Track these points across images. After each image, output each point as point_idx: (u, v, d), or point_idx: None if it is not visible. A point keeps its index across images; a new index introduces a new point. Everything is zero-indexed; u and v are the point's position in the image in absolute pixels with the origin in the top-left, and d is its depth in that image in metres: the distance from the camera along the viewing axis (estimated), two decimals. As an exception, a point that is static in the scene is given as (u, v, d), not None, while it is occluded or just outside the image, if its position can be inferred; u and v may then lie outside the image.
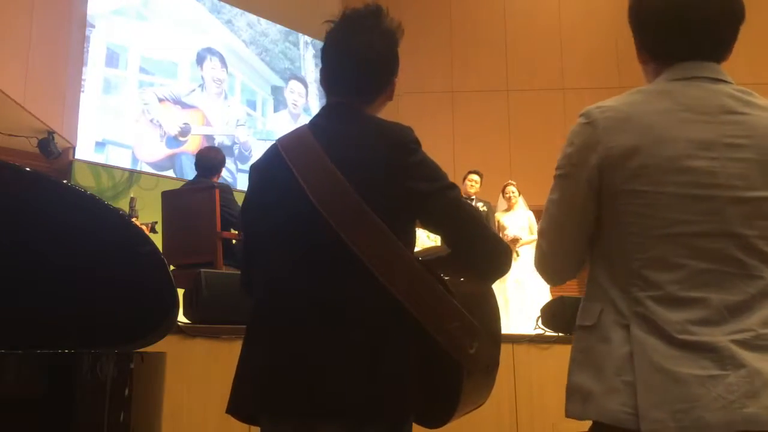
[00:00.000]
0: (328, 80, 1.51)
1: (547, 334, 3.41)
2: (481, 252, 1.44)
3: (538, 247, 1.32)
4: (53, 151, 6.07)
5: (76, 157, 6.49)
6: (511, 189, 6.68)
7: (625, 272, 1.24)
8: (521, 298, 6.07)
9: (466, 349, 1.33)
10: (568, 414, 1.27)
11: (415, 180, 1.37)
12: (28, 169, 1.71)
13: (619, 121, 1.23)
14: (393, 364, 1.32)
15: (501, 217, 6.62)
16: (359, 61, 1.46)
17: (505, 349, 3.45)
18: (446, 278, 1.37)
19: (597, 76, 8.58)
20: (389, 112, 1.48)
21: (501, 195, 6.80)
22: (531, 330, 3.53)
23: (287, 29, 8.76)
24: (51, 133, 6.09)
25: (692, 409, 1.13)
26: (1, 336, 1.58)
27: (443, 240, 1.47)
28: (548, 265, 1.32)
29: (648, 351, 1.17)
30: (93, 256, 1.78)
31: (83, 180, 6.42)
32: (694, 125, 1.21)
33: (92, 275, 1.79)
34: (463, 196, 5.51)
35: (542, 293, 5.90)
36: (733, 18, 1.28)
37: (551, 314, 3.42)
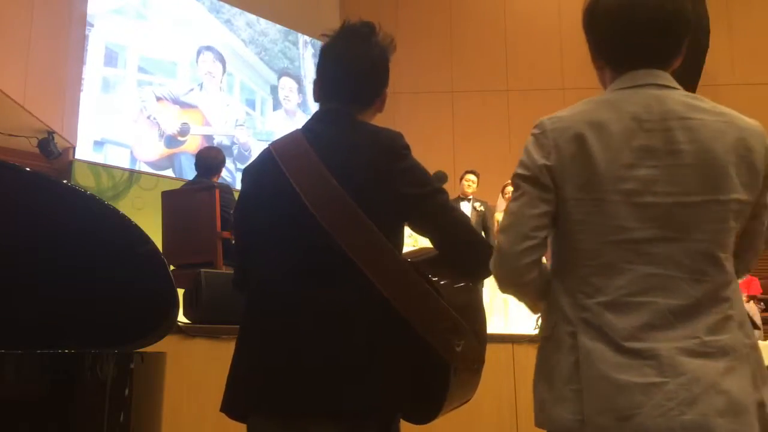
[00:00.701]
0: (323, 88, 1.55)
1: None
2: (467, 254, 1.48)
3: (497, 247, 1.32)
4: (53, 151, 6.07)
5: (76, 157, 6.49)
6: (511, 189, 6.67)
7: (575, 279, 1.27)
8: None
9: (453, 347, 1.37)
10: (536, 424, 1.31)
11: (406, 185, 1.42)
12: (28, 169, 1.72)
13: (567, 131, 1.27)
14: (384, 363, 1.36)
15: (500, 217, 6.61)
16: (356, 70, 1.51)
17: (505, 349, 3.47)
18: (434, 279, 1.42)
19: (596, 77, 8.56)
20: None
21: (500, 195, 6.80)
22: (531, 330, 3.53)
23: (286, 29, 8.76)
24: (51, 133, 6.09)
25: (634, 416, 1.16)
26: (1, 336, 1.58)
27: (431, 242, 1.51)
28: (507, 264, 1.31)
29: (593, 359, 1.20)
30: (93, 256, 1.78)
31: (83, 180, 6.42)
32: (639, 133, 1.24)
33: (92, 275, 1.79)
34: (461, 195, 5.48)
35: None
36: (681, 26, 1.30)
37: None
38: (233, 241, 1.60)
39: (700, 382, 1.16)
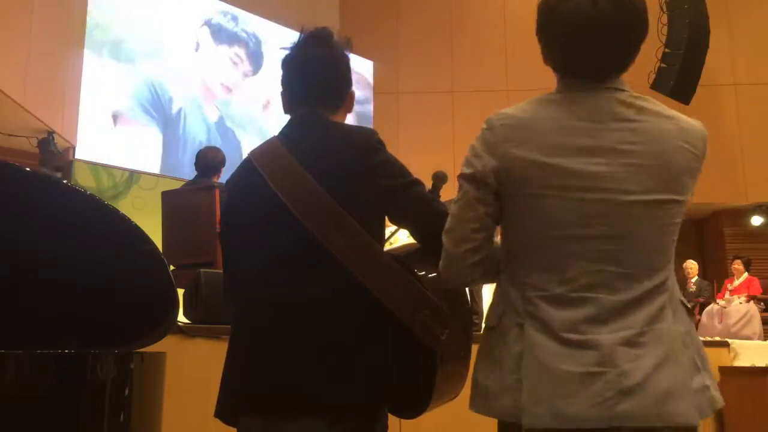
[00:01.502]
0: (290, 96, 1.60)
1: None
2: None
3: (444, 249, 1.35)
4: (53, 151, 6.07)
5: (76, 157, 6.49)
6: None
7: (522, 272, 1.29)
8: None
9: (438, 336, 1.39)
10: (471, 407, 1.34)
11: (382, 177, 1.45)
12: (28, 169, 1.72)
13: (514, 128, 1.29)
14: (370, 356, 1.38)
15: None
16: (318, 72, 1.56)
17: (505, 349, 3.46)
18: (415, 269, 1.45)
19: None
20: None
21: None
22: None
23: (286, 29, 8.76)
24: (51, 133, 6.09)
25: (570, 404, 1.18)
26: (1, 336, 1.58)
27: (410, 233, 1.53)
28: (451, 264, 1.34)
29: (536, 349, 1.23)
30: (93, 255, 1.78)
31: (83, 180, 6.42)
32: (585, 132, 1.26)
33: (92, 275, 1.79)
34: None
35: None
36: (632, 35, 1.30)
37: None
38: (222, 253, 1.62)
39: (637, 371, 1.19)
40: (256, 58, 8.23)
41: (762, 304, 8.20)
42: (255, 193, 1.49)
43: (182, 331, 2.57)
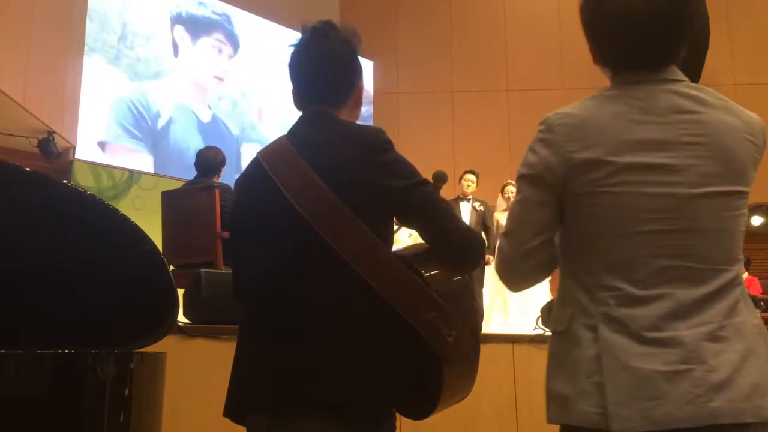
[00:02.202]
0: (298, 93, 1.59)
1: (547, 334, 3.41)
2: (453, 243, 1.49)
3: (500, 250, 1.33)
4: (53, 151, 6.07)
5: (76, 157, 6.49)
6: (511, 189, 6.67)
7: (590, 273, 1.26)
8: (521, 298, 6.07)
9: (445, 337, 1.38)
10: (549, 420, 1.29)
11: (389, 177, 1.44)
12: (28, 169, 1.72)
13: (575, 126, 1.26)
14: (376, 357, 1.38)
15: (500, 216, 6.61)
16: (322, 66, 1.55)
17: (505, 349, 3.47)
18: (422, 270, 1.44)
19: (596, 76, 8.56)
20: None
21: (500, 195, 6.80)
22: (531, 330, 3.53)
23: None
24: (51, 133, 6.09)
25: (660, 405, 1.15)
26: (1, 336, 1.58)
27: (419, 234, 1.53)
28: (510, 267, 1.32)
29: (615, 350, 1.19)
30: (93, 255, 1.78)
31: (83, 180, 6.42)
32: (648, 126, 1.24)
33: (92, 275, 1.79)
34: (460, 195, 5.49)
35: (542, 293, 5.90)
36: (683, 23, 1.28)
37: (551, 314, 3.42)
38: (232, 255, 1.62)
39: (724, 366, 1.16)
40: (233, 38, 8.16)
41: (762, 304, 8.21)
42: (263, 194, 1.48)
43: (182, 331, 2.57)
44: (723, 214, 1.24)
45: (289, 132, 1.56)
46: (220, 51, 7.99)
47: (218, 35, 8.01)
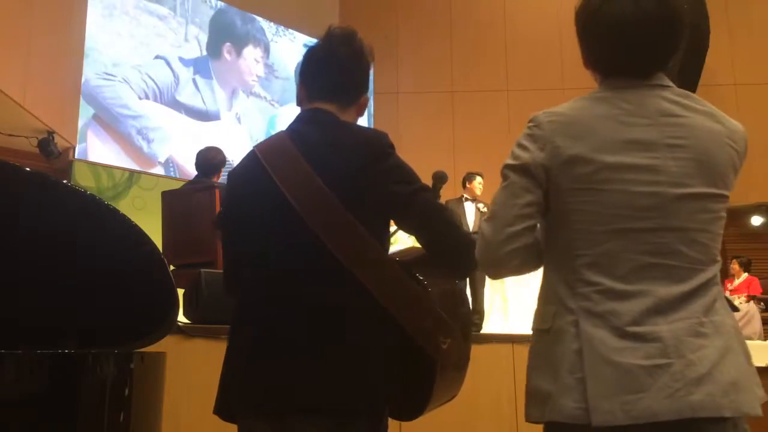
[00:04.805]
0: (307, 89, 1.57)
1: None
2: (453, 251, 1.50)
3: (480, 234, 1.32)
4: (53, 151, 6.07)
5: (76, 157, 6.49)
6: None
7: (573, 269, 1.27)
8: (521, 297, 6.08)
9: (439, 344, 1.39)
10: (528, 418, 1.30)
11: (391, 183, 1.43)
12: (28, 169, 1.72)
13: (563, 125, 1.29)
14: (373, 361, 1.37)
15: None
16: (337, 69, 1.54)
17: (505, 348, 3.47)
18: (421, 278, 1.44)
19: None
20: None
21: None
22: (531, 330, 3.52)
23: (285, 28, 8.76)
24: (51, 133, 6.09)
25: (640, 399, 1.16)
26: (1, 336, 1.58)
27: (418, 240, 1.53)
28: (490, 250, 1.31)
29: (596, 345, 1.21)
30: (93, 255, 1.78)
31: (83, 180, 6.42)
32: (635, 127, 1.27)
33: (92, 275, 1.79)
34: (466, 197, 5.45)
35: (542, 293, 5.89)
36: (674, 33, 1.32)
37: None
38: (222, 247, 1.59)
39: (703, 361, 1.18)
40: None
41: (762, 304, 8.21)
42: (258, 188, 1.47)
43: (182, 331, 2.57)
44: (702, 215, 1.27)
45: (289, 128, 1.54)
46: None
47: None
